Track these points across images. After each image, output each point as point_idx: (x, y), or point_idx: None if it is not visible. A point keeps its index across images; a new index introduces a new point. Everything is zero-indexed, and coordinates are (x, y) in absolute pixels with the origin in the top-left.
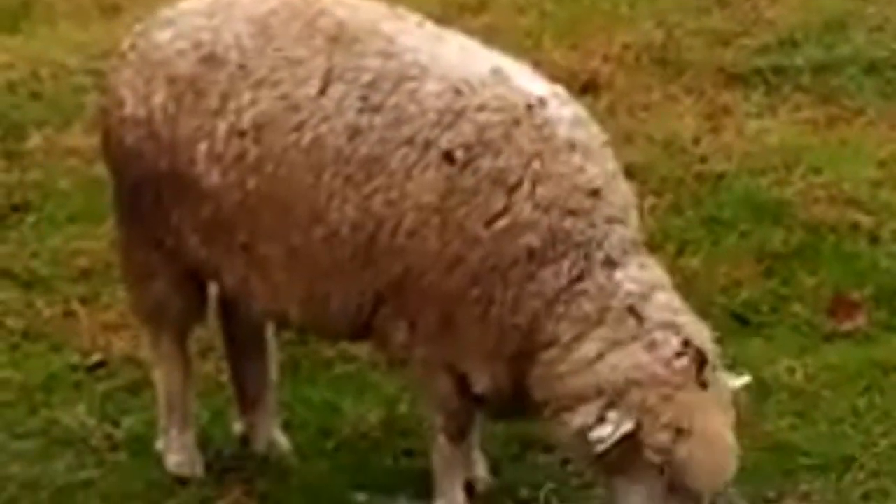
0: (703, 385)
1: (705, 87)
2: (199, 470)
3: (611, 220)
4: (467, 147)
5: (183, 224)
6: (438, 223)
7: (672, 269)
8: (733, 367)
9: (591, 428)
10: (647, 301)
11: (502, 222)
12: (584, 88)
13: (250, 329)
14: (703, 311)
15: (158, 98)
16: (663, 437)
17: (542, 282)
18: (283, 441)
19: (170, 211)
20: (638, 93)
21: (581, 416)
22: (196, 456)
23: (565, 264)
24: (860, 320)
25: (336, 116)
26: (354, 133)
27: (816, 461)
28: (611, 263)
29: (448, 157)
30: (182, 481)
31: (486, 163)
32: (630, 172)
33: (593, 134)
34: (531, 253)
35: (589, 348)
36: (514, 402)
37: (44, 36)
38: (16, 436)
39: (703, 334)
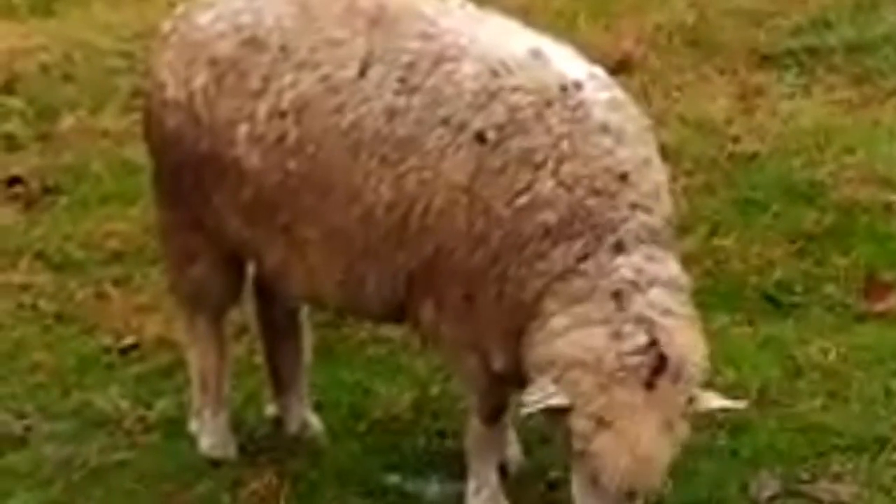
0: (650, 386)
1: (738, 67)
2: (231, 451)
3: (634, 206)
4: (499, 128)
5: (224, 206)
6: (466, 202)
7: (705, 250)
8: (766, 347)
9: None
10: (637, 292)
11: (523, 199)
12: (617, 69)
13: (285, 311)
14: (735, 291)
15: (199, 81)
16: (584, 424)
17: (552, 261)
18: (315, 423)
19: (211, 193)
20: (670, 73)
21: (532, 387)
22: (229, 438)
23: (577, 245)
24: (893, 301)
25: (375, 98)
26: (392, 114)
27: (849, 442)
28: (619, 248)
29: (480, 137)
30: (215, 463)
31: (515, 143)
32: (663, 153)
33: (630, 118)
34: (547, 230)
35: (561, 322)
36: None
37: (76, 18)
38: (49, 417)
39: (683, 344)
